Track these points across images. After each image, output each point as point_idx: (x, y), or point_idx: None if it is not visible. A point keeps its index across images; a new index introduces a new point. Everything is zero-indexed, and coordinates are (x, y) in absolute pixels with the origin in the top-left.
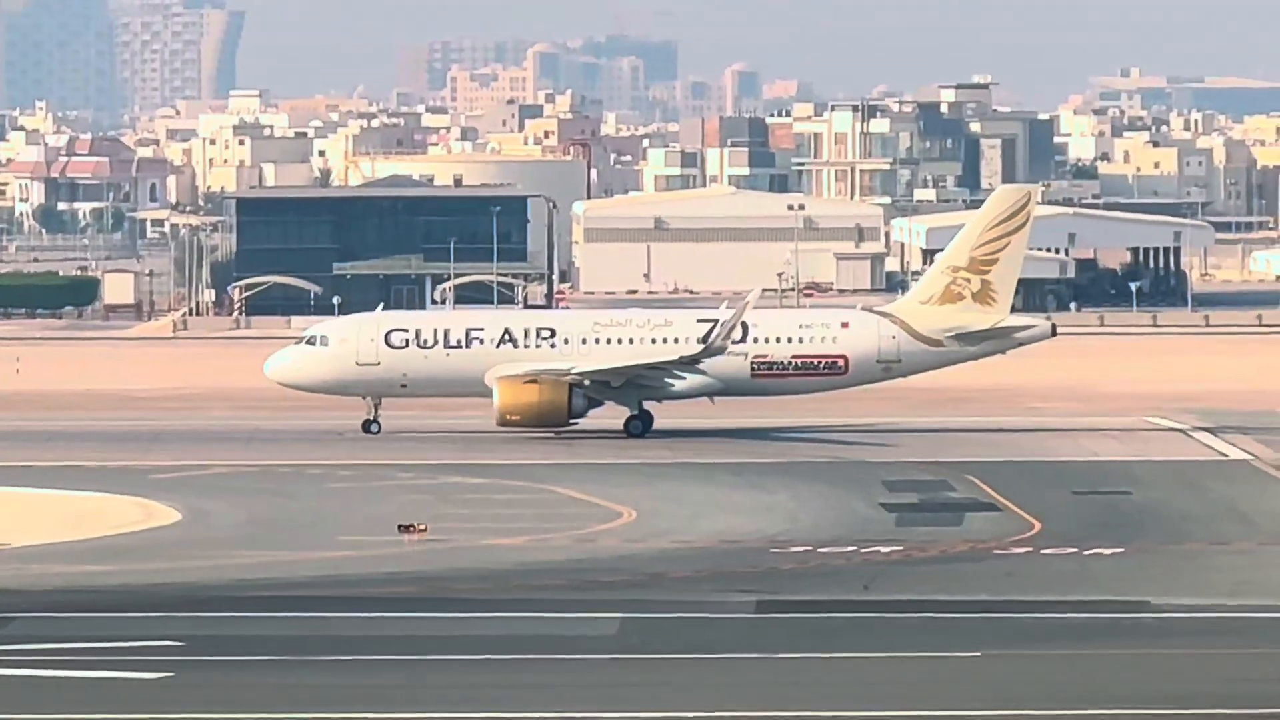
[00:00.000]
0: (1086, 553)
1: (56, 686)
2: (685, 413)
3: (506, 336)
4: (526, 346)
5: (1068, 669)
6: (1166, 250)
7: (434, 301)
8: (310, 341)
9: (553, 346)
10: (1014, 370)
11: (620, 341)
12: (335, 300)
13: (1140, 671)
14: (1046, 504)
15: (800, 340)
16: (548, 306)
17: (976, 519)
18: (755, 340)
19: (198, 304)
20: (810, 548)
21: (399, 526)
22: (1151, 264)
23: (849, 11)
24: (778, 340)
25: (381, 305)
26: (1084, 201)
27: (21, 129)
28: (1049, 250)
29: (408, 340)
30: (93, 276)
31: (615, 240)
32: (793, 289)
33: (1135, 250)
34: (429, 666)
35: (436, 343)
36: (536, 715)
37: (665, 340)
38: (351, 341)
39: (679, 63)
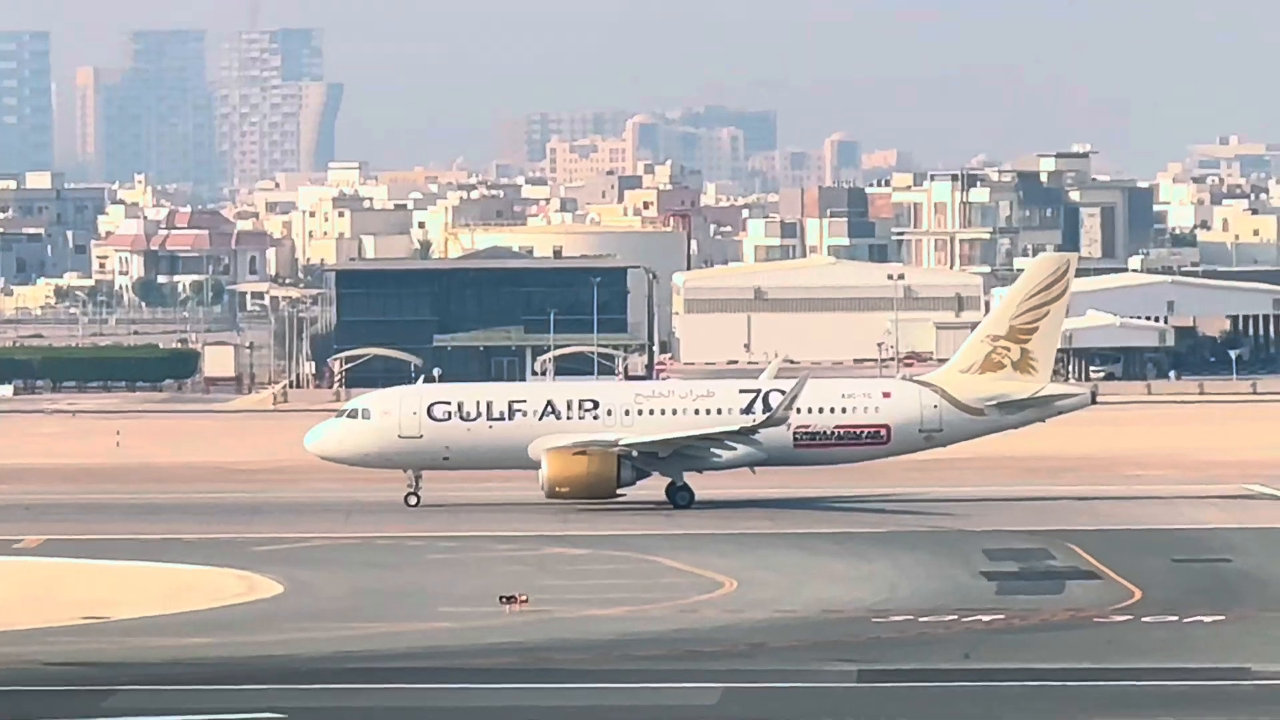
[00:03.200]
0: (1187, 620)
1: None
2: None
3: (549, 408)
4: (569, 418)
5: None
6: (1266, 318)
7: (534, 373)
8: (352, 414)
9: (595, 418)
10: (1112, 438)
11: (663, 412)
12: (436, 372)
13: None
14: (1146, 571)
15: (843, 410)
16: (648, 377)
17: (1077, 587)
18: (798, 410)
19: (298, 376)
20: (911, 617)
21: (500, 598)
22: (1251, 332)
23: (947, 81)
24: (820, 410)
25: (422, 378)
26: (1183, 269)
27: (121, 202)
28: (1148, 318)
29: (450, 413)
30: (193, 349)
31: (715, 311)
32: (893, 358)
33: (1235, 318)
34: None
35: (479, 415)
36: None
37: (708, 411)
38: (394, 414)
39: (778, 133)
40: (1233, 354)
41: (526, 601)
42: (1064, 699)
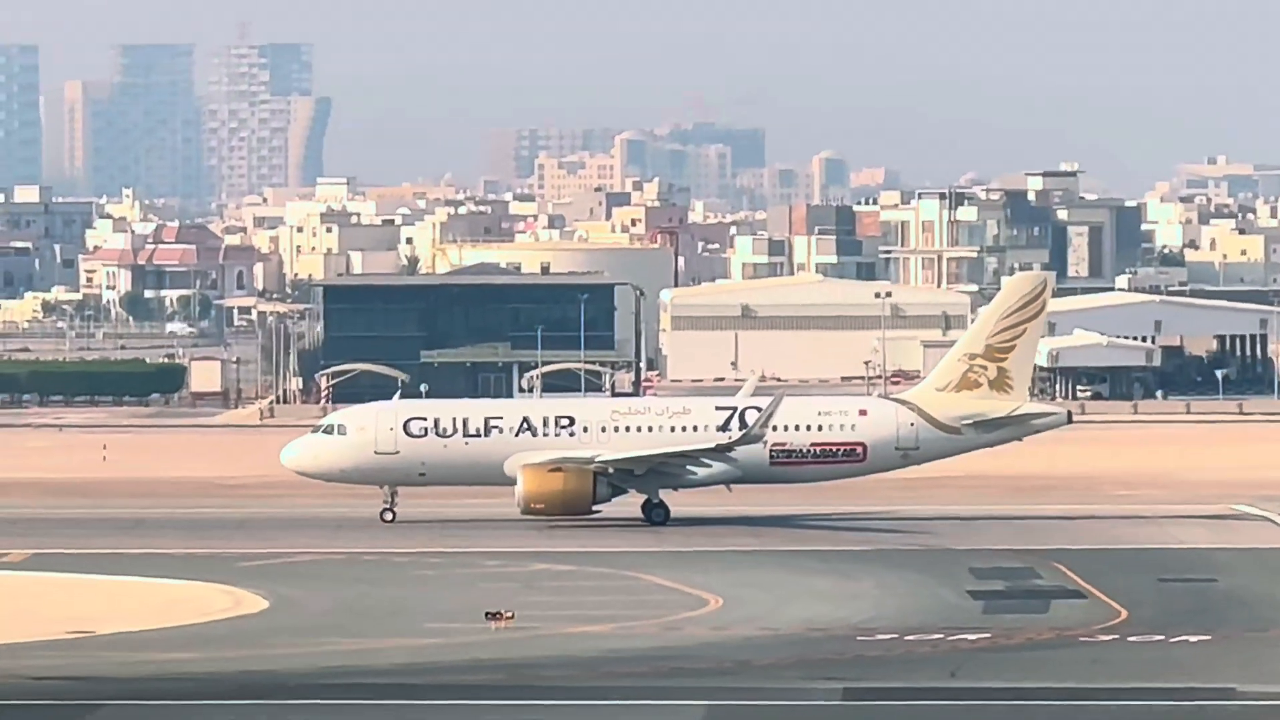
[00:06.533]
0: (1172, 640)
1: None
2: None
3: (525, 425)
4: (545, 435)
5: None
6: (1253, 337)
7: (521, 389)
8: (328, 430)
9: (571, 435)
10: (1098, 457)
11: (639, 429)
12: (422, 388)
13: None
14: (1132, 591)
15: (819, 428)
16: (635, 394)
17: (1062, 606)
18: (774, 428)
19: (284, 392)
20: (897, 635)
21: (486, 614)
22: (1238, 351)
23: (936, 100)
24: (796, 428)
25: (398, 394)
26: (1170, 289)
27: (109, 217)
28: (1135, 338)
29: (426, 429)
30: (180, 364)
31: (702, 328)
32: (880, 376)
33: (1221, 337)
34: None
35: (455, 431)
36: None
37: (684, 428)
38: (370, 430)
39: (766, 150)
40: (1219, 374)
41: (512, 618)
42: (1049, 718)
